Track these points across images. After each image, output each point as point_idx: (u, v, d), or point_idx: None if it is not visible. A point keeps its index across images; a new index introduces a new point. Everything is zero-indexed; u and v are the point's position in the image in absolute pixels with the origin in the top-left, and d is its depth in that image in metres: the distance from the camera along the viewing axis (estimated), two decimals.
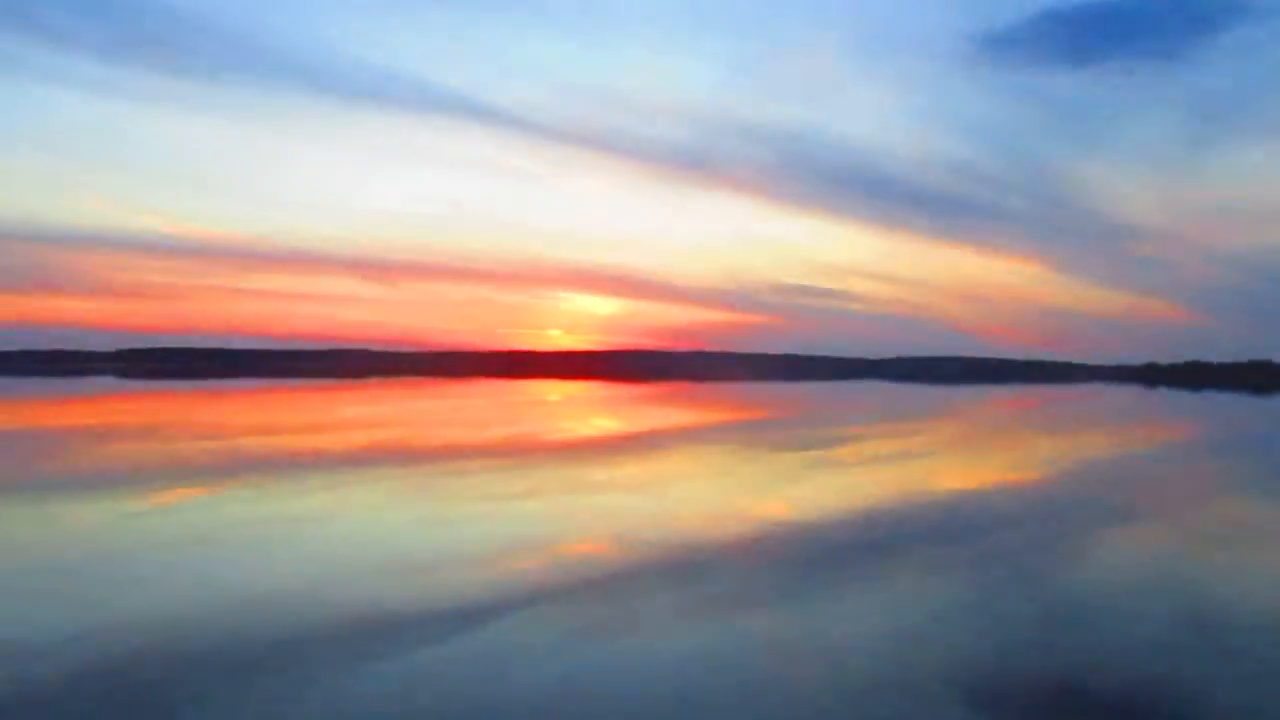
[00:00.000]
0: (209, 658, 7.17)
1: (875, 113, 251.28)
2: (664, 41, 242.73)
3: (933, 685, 6.77)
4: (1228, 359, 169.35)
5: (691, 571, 10.26)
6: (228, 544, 11.74)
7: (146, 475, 18.79)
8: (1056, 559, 11.24)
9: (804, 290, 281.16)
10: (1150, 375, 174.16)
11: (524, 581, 9.68)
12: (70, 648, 7.40)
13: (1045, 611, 8.77)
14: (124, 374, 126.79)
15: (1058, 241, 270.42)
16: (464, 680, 6.73)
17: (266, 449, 24.78)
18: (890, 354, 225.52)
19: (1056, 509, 15.33)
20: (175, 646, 7.44)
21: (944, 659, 7.34)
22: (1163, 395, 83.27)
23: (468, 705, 6.30)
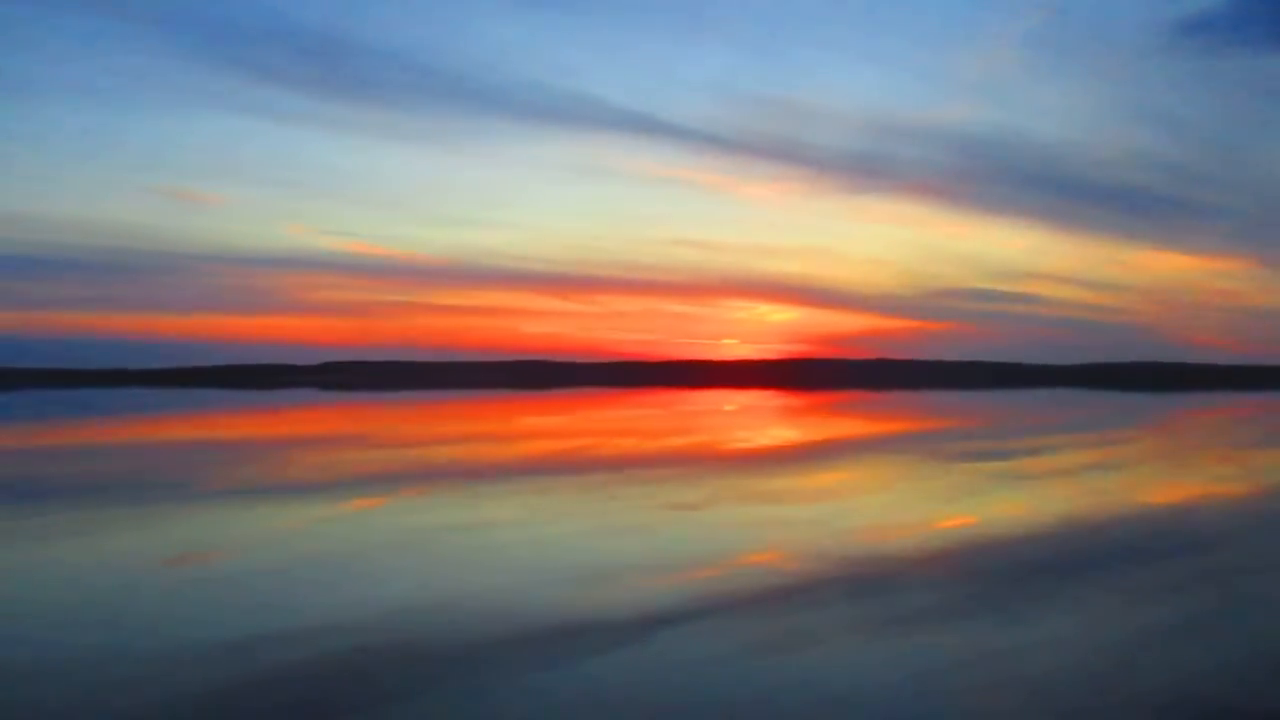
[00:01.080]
0: (393, 661, 7.37)
1: (1061, 109, 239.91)
2: (837, 46, 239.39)
3: (1143, 717, 6.26)
4: None
5: (875, 586, 9.91)
6: (415, 549, 12.14)
7: (341, 483, 19.74)
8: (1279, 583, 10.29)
9: (988, 295, 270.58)
10: None
11: (703, 592, 9.57)
12: (260, 649, 7.75)
13: (1269, 641, 8.01)
14: (324, 387, 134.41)
15: (1267, 238, 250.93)
16: (641, 690, 6.67)
17: (453, 458, 25.66)
18: (1079, 360, 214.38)
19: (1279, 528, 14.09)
20: (359, 650, 7.68)
21: (1153, 688, 6.78)
22: None
23: (644, 716, 6.23)
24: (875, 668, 7.21)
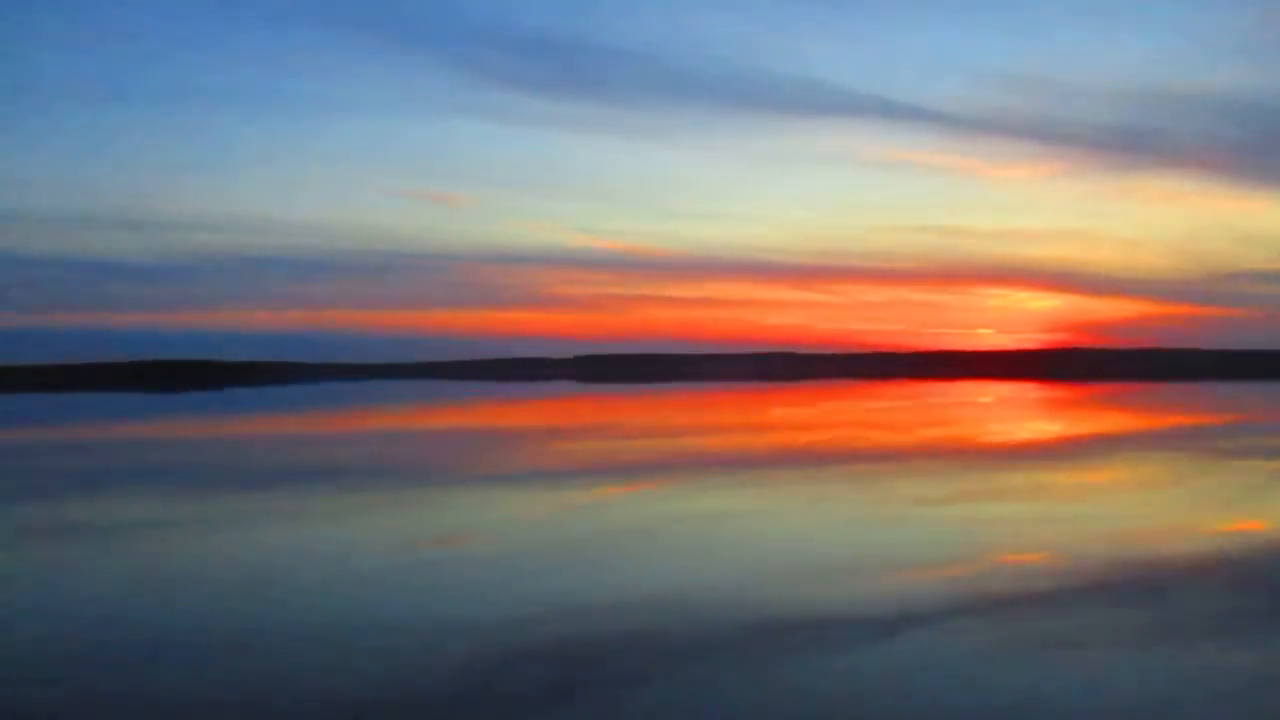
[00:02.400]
0: (632, 648, 7.48)
1: None
2: (1094, 13, 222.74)
3: None
4: None
5: (1145, 591, 9.15)
6: (659, 537, 12.33)
7: (590, 471, 20.39)
8: None
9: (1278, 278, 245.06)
10: None
11: (950, 591, 9.16)
12: (505, 630, 8.06)
13: None
14: (577, 379, 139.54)
15: None
16: (883, 692, 6.45)
17: (697, 448, 25.94)
18: None
19: None
20: (597, 635, 7.85)
21: None
22: None
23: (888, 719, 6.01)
24: (1148, 681, 6.65)
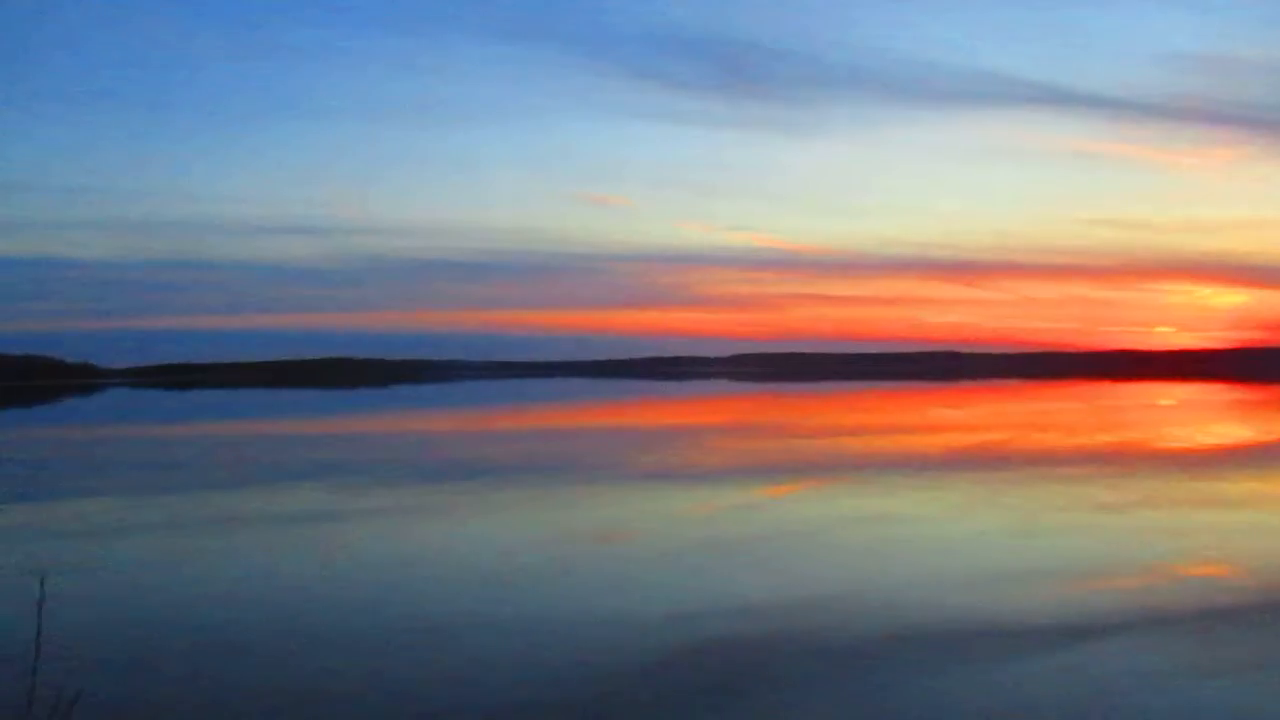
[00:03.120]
0: (792, 648, 7.50)
1: None
2: None
3: None
4: None
5: None
6: (820, 538, 12.28)
7: (751, 470, 20.41)
8: None
9: None
10: None
11: (1129, 603, 8.81)
12: (669, 625, 8.20)
13: None
14: (734, 377, 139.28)
15: None
16: (1050, 704, 6.27)
17: (859, 449, 25.59)
18: None
19: None
20: (759, 634, 7.90)
21: None
22: None
23: None
24: None
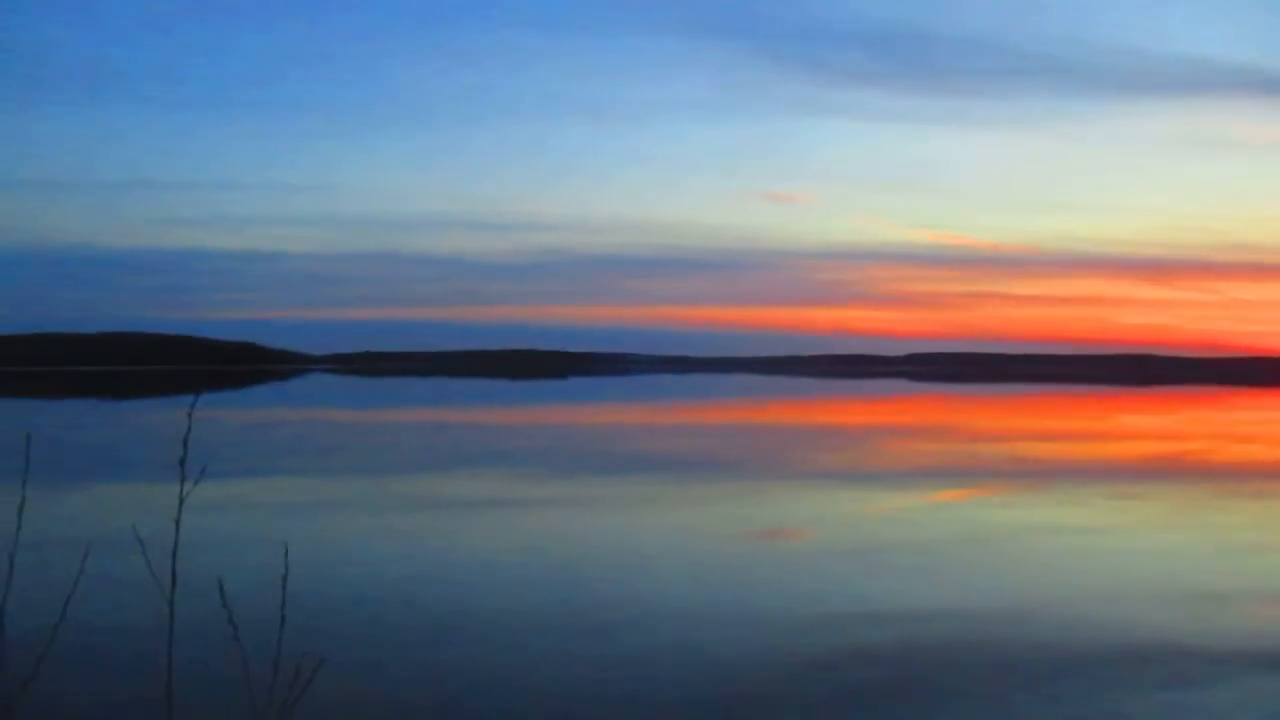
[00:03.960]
0: (957, 660, 7.38)
1: None
2: None
3: None
4: None
5: None
6: (993, 547, 11.96)
7: (923, 473, 20.00)
8: None
9: None
10: None
11: None
12: (828, 628, 8.20)
13: None
14: (911, 377, 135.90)
15: None
16: None
17: (1039, 455, 24.66)
18: None
19: None
20: (923, 643, 7.80)
21: None
22: None
23: None
24: None
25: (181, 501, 2.50)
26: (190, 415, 2.61)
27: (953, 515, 14.73)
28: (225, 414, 40.07)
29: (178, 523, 2.49)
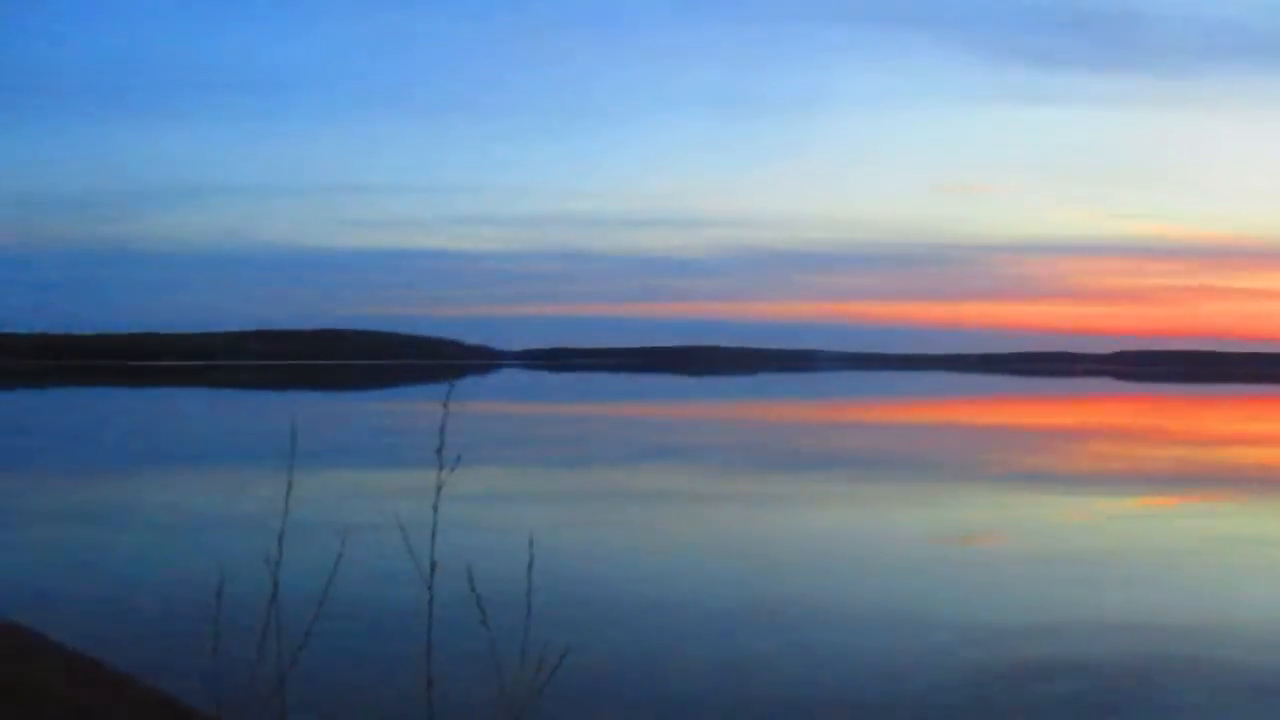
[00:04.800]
0: (1175, 674, 6.86)
1: None
2: None
3: None
4: None
5: None
6: (1209, 559, 11.06)
7: (1131, 477, 18.83)
8: None
9: None
10: None
11: None
12: (1030, 638, 7.74)
13: None
14: (1117, 376, 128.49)
15: None
16: None
17: (1260, 461, 22.82)
18: None
19: None
20: (1139, 656, 7.24)
21: None
22: None
23: None
24: None
25: (439, 489, 2.61)
26: (446, 407, 2.72)
27: (1160, 522, 13.81)
28: (436, 407, 41.92)
29: (435, 509, 2.60)
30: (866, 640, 7.65)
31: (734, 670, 6.77)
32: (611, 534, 12.16)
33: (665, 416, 39.43)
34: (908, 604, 8.76)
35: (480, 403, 47.60)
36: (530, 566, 2.66)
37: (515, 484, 16.29)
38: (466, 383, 78.66)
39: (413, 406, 42.27)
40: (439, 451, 2.69)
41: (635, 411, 42.35)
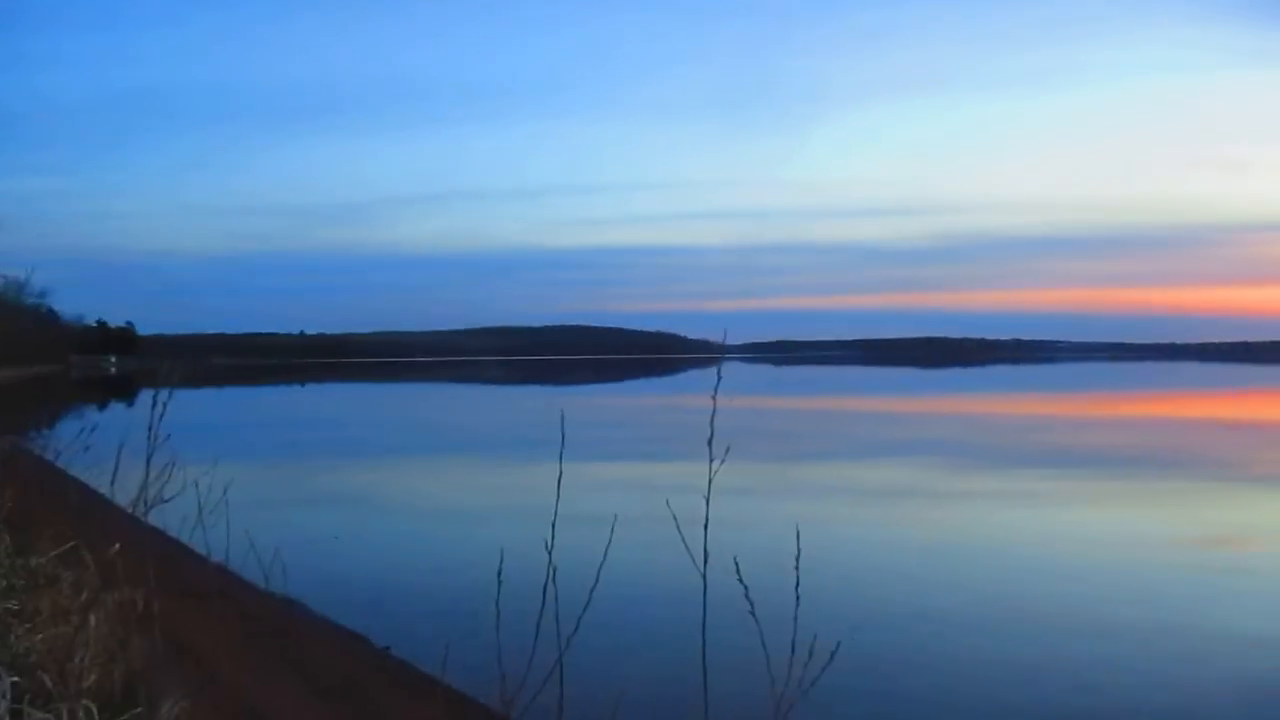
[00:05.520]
0: None
1: None
2: None
3: None
4: None
5: None
6: None
7: None
8: None
9: None
10: None
11: None
12: None
13: None
14: None
15: None
16: None
17: None
18: None
19: None
20: None
21: None
22: None
23: None
24: None
25: (710, 480, 2.63)
26: (714, 400, 2.74)
27: None
28: (668, 400, 42.81)
29: (707, 500, 2.62)
30: (1127, 649, 7.18)
31: (999, 677, 6.50)
32: (868, 530, 12.00)
33: (900, 410, 38.48)
34: (1170, 612, 8.17)
35: (708, 396, 48.00)
36: (798, 558, 2.64)
37: (767, 477, 16.21)
38: (689, 376, 79.53)
39: (655, 400, 43.24)
40: (709, 443, 2.71)
41: (869, 405, 41.55)
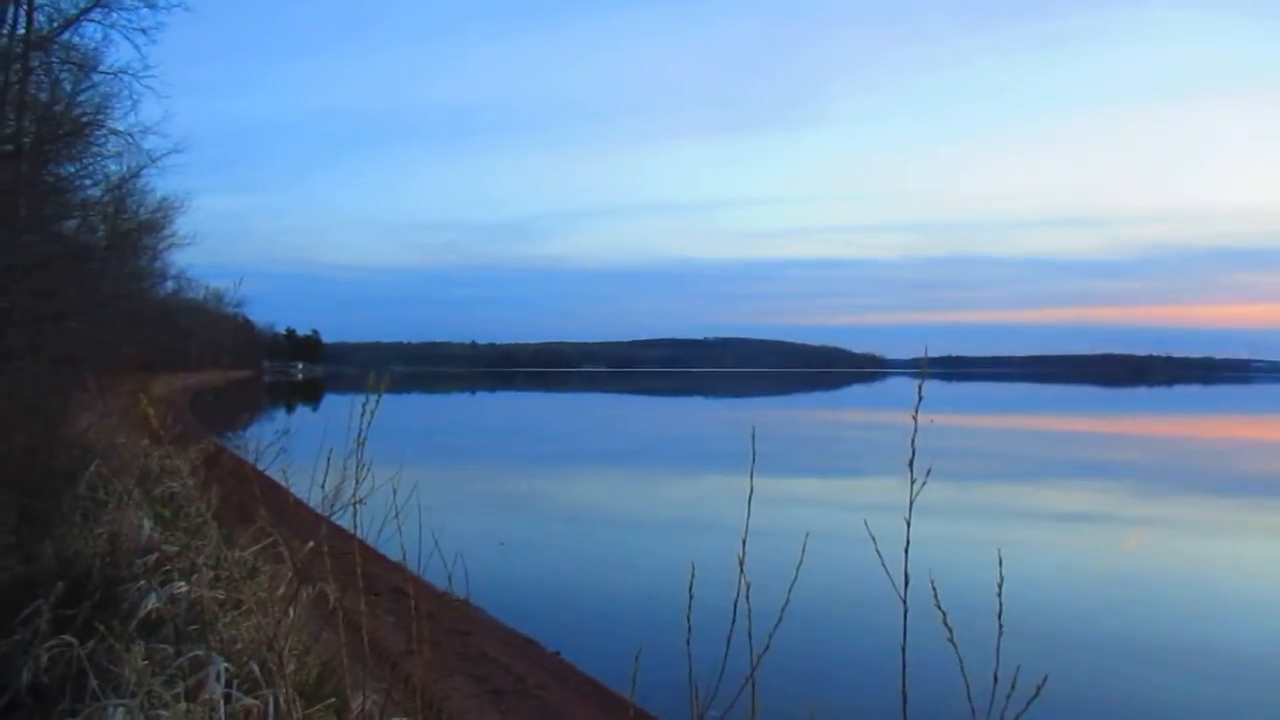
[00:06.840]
0: None
1: None
2: None
3: None
4: None
5: None
6: None
7: None
8: None
9: None
10: None
11: None
12: None
13: None
14: None
15: None
16: None
17: None
18: None
19: None
20: None
21: None
22: None
23: None
24: None
25: (912, 501, 2.55)
26: (915, 418, 2.65)
27: None
28: (839, 415, 42.24)
29: (908, 521, 2.54)
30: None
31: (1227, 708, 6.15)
32: (1074, 556, 11.59)
33: (1080, 430, 36.77)
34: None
35: (880, 411, 47.02)
36: (1001, 584, 2.53)
37: (963, 497, 15.74)
38: (855, 390, 78.13)
39: (833, 415, 42.74)
40: (911, 464, 2.62)
41: (1050, 424, 39.86)
